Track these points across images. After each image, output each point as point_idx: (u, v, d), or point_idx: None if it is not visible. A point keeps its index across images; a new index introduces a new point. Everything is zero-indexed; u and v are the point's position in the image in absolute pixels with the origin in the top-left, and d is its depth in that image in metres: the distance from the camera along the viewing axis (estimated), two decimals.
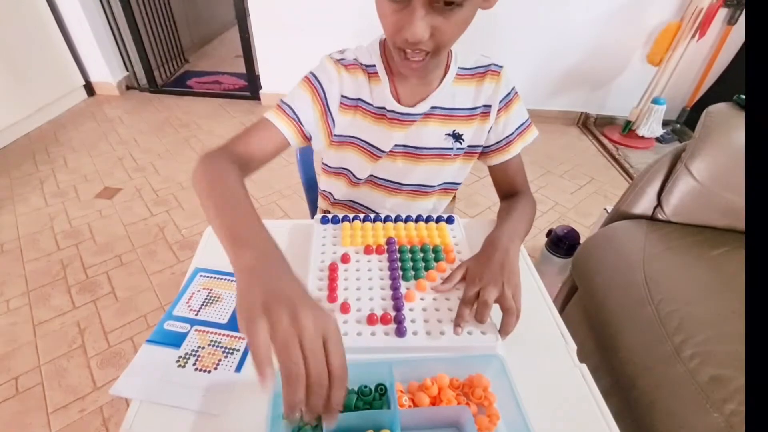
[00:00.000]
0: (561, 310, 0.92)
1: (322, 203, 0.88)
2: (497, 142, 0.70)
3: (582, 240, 1.32)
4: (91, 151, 2.16)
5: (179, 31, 3.11)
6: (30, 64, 2.20)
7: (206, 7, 3.74)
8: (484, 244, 0.60)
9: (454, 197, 0.88)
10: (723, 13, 2.11)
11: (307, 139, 0.66)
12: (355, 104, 0.67)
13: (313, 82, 0.65)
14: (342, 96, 0.66)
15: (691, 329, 0.71)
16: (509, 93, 0.68)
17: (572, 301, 1.00)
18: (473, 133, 0.69)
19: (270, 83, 2.65)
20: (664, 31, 2.14)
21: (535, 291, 0.61)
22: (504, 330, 0.49)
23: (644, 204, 0.97)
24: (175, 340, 0.51)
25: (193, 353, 0.50)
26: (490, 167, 0.74)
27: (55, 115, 2.45)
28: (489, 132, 0.69)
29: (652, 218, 0.98)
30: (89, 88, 2.66)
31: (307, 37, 2.39)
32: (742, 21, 2.10)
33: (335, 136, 0.70)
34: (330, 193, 0.82)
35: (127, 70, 2.77)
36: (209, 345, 0.51)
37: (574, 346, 0.52)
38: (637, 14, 2.21)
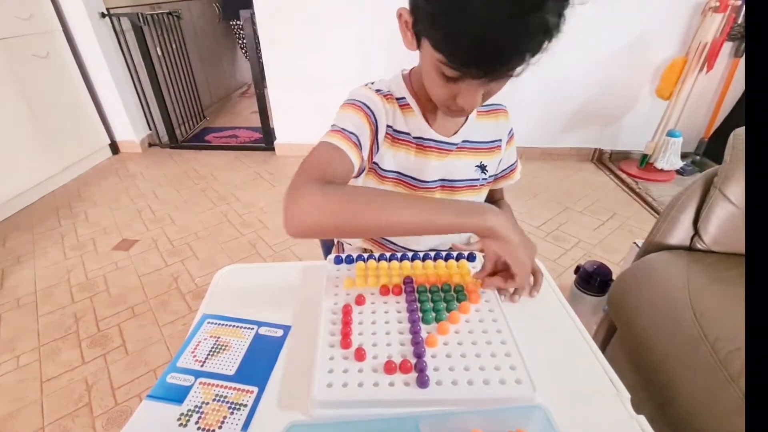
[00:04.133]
0: None
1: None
2: (503, 170, 0.79)
3: (615, 275, 1.23)
4: (111, 204, 2.21)
5: (199, 92, 3.30)
6: (59, 126, 2.32)
7: (225, 69, 3.99)
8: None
9: None
10: (728, 46, 2.13)
11: (361, 168, 0.66)
12: (399, 137, 0.66)
13: (365, 109, 0.61)
14: (388, 126, 0.64)
15: None
16: (511, 129, 0.76)
17: (611, 342, 0.91)
18: (494, 164, 0.75)
19: (284, 135, 2.74)
20: (670, 66, 2.16)
21: (573, 331, 0.54)
22: (536, 288, 0.60)
23: (680, 234, 0.91)
24: (177, 395, 0.47)
25: (197, 409, 0.45)
26: (490, 190, 0.81)
27: (80, 173, 2.54)
28: (499, 162, 0.77)
29: (690, 248, 0.91)
30: (114, 147, 2.79)
31: (318, 92, 2.51)
32: None
33: (374, 163, 0.67)
34: None
35: (150, 129, 2.91)
36: (214, 400, 0.46)
37: (627, 395, 0.45)
38: (641, 52, 2.25)
